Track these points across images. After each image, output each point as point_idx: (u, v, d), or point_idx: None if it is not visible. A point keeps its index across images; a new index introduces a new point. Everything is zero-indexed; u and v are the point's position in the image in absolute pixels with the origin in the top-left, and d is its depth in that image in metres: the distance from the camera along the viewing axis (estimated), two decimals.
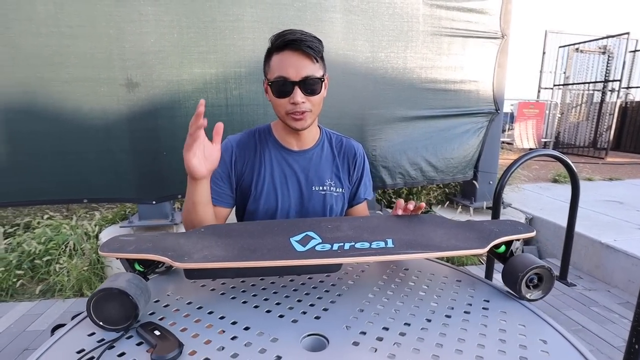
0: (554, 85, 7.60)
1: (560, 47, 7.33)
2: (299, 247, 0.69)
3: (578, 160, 6.40)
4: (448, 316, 0.67)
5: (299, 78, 0.86)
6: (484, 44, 2.65)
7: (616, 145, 7.80)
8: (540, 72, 7.52)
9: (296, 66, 0.86)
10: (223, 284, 0.79)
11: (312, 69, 0.87)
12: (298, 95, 0.87)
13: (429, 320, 0.65)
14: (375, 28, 2.39)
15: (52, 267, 2.18)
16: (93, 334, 0.61)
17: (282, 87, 0.87)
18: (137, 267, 0.71)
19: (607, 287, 2.30)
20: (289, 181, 1.00)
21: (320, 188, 1.01)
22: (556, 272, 2.45)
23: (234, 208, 1.08)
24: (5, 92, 2.00)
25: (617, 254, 2.30)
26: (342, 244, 0.70)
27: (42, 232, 2.26)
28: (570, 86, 7.48)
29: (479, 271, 2.50)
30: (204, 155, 0.83)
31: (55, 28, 1.97)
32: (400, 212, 0.88)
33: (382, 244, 0.70)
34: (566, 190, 3.79)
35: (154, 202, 2.31)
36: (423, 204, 0.86)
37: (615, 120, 6.91)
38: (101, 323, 0.60)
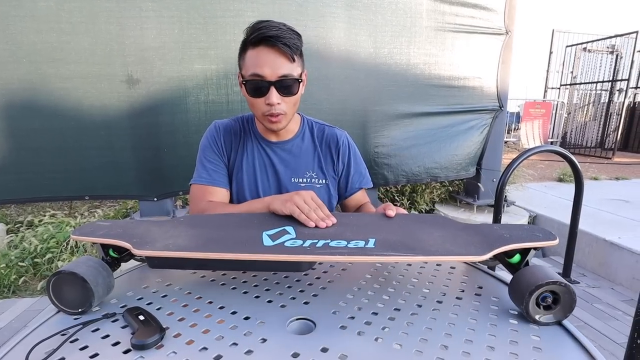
0: (561, 85, 7.52)
1: (567, 46, 7.25)
2: (267, 242, 0.64)
3: (585, 160, 6.32)
4: (439, 302, 0.65)
5: (275, 78, 0.82)
6: (488, 40, 2.62)
7: (624, 145, 7.69)
8: (547, 71, 7.45)
9: (272, 65, 0.81)
10: (213, 270, 0.78)
11: (289, 68, 0.83)
12: (274, 96, 0.83)
13: (419, 306, 0.64)
14: (378, 23, 2.38)
15: (53, 265, 2.19)
16: (79, 317, 0.60)
17: (257, 87, 0.84)
18: (111, 253, 0.70)
19: (611, 284, 2.26)
20: (268, 171, 0.99)
21: (300, 180, 0.99)
22: (559, 270, 2.41)
23: None
24: (7, 88, 2.02)
25: (622, 252, 2.25)
26: (315, 241, 0.64)
27: (44, 230, 2.27)
28: (577, 86, 7.39)
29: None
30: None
31: (55, 24, 1.98)
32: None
33: (361, 244, 0.63)
34: (572, 189, 3.72)
35: (155, 199, 2.32)
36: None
37: (622, 121, 6.81)
38: (57, 303, 0.60)
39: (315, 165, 1.01)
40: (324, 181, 1.01)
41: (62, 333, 0.55)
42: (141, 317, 0.57)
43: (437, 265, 0.81)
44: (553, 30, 7.14)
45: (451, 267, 0.80)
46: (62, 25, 1.99)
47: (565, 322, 0.59)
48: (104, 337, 0.55)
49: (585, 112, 7.44)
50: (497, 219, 2.13)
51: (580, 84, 7.34)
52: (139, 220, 0.76)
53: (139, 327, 0.54)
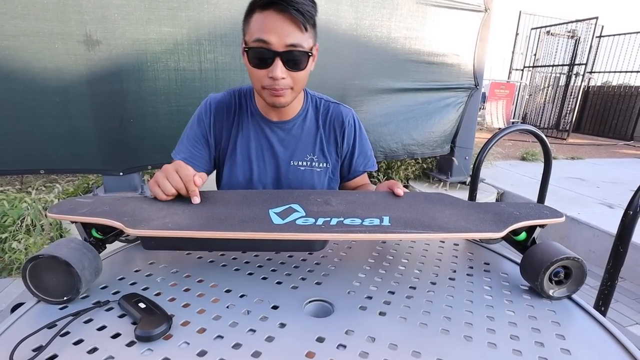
0: (524, 67, 7.81)
1: (532, 29, 7.48)
2: (276, 220, 0.60)
3: None
4: (452, 279, 0.65)
5: (282, 48, 0.73)
6: (468, 17, 2.62)
7: (577, 127, 8.23)
8: (513, 52, 7.68)
9: (280, 32, 0.72)
10: (211, 251, 0.72)
11: (300, 38, 0.73)
12: (278, 68, 0.74)
13: (433, 284, 0.63)
14: None
15: (6, 245, 1.99)
16: (65, 307, 0.53)
17: (260, 56, 0.74)
18: (95, 234, 0.62)
19: None
20: (265, 154, 0.91)
21: (300, 163, 0.92)
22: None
23: (215, 175, 0.99)
24: None
25: (581, 226, 2.43)
26: (328, 218, 0.60)
27: None
28: (538, 68, 7.71)
29: None
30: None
31: None
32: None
33: (376, 221, 0.60)
34: (534, 167, 3.97)
35: (120, 174, 2.16)
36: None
37: (577, 103, 7.24)
38: (37, 292, 0.52)
39: (317, 148, 0.94)
40: (324, 164, 0.95)
41: (49, 326, 0.48)
42: (141, 305, 0.51)
43: (440, 242, 0.81)
44: (520, 12, 7.32)
45: (454, 244, 0.80)
46: None
47: (574, 296, 0.60)
48: (99, 329, 0.48)
49: (544, 94, 7.82)
50: (472, 196, 2.20)
51: (542, 66, 7.66)
52: (126, 197, 0.67)
53: (141, 317, 0.48)
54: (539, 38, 7.43)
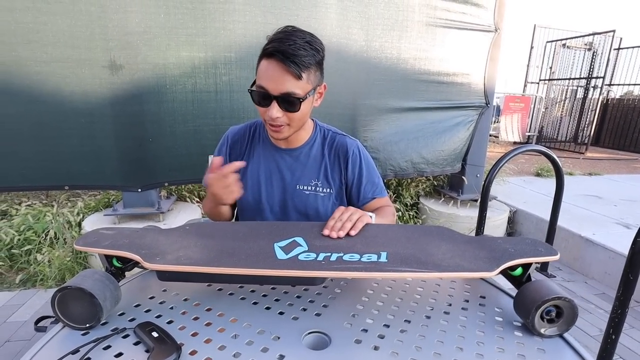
0: (540, 80, 7.72)
1: (547, 42, 7.42)
2: (280, 255, 0.64)
3: (559, 154, 6.58)
4: (447, 312, 0.67)
5: (277, 93, 0.83)
6: (478, 37, 2.64)
7: (595, 140, 8.04)
8: (528, 66, 7.62)
9: (276, 81, 0.82)
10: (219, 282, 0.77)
11: (293, 85, 0.82)
12: (274, 109, 0.84)
13: (428, 317, 0.66)
14: (370, 16, 2.35)
15: (32, 257, 2.10)
16: (87, 333, 0.59)
17: (261, 97, 0.86)
18: (115, 263, 0.68)
19: (584, 278, 2.39)
20: (274, 178, 1.00)
21: (305, 187, 1.00)
22: (537, 265, 2.53)
23: None
24: None
25: (596, 248, 2.38)
26: (329, 254, 0.64)
27: (21, 220, 2.17)
28: (555, 81, 7.61)
29: None
30: (227, 187, 0.85)
31: (31, 3, 1.85)
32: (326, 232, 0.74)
33: (374, 257, 0.63)
34: (548, 183, 3.91)
35: (139, 190, 2.25)
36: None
37: (596, 116, 7.10)
38: (63, 319, 0.58)
39: (321, 174, 1.01)
40: (328, 190, 1.01)
41: (72, 352, 0.53)
42: (154, 334, 0.56)
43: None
44: (535, 25, 7.28)
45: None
46: (39, 5, 1.86)
47: (566, 334, 0.62)
48: (117, 356, 0.53)
49: (561, 107, 7.70)
50: (482, 215, 2.20)
51: (558, 79, 7.56)
52: (145, 229, 0.74)
53: (154, 346, 0.53)
54: (554, 51, 7.36)
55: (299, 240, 0.70)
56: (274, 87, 0.82)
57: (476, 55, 2.67)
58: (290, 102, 0.84)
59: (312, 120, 1.04)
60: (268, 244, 0.68)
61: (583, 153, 6.81)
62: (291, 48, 0.80)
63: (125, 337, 0.58)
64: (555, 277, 2.39)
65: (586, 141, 7.05)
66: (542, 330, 0.61)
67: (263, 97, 0.85)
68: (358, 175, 1.03)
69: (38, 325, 0.66)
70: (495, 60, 2.73)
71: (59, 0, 1.87)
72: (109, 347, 0.55)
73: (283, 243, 0.68)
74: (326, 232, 0.74)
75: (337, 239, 0.72)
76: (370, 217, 0.84)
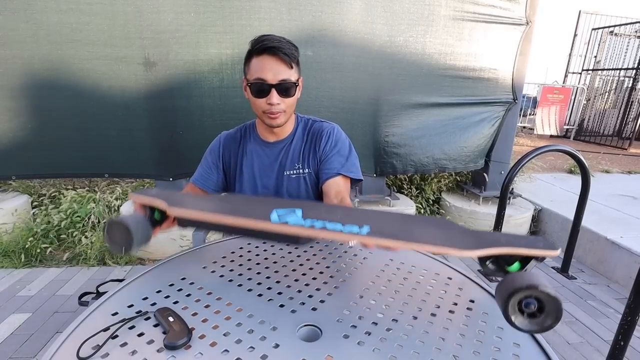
0: (583, 70, 7.26)
1: (593, 29, 6.93)
2: (274, 218, 0.70)
3: (600, 150, 6.21)
4: (433, 314, 0.73)
5: (276, 81, 0.97)
6: (507, 31, 2.56)
7: None
8: (570, 55, 7.18)
9: (273, 70, 0.96)
10: (231, 270, 0.86)
11: (288, 74, 0.98)
12: (274, 97, 0.98)
13: (415, 318, 0.71)
14: (395, 11, 2.34)
15: (76, 238, 2.33)
16: (116, 313, 0.70)
17: (260, 89, 0.98)
18: (156, 214, 0.82)
19: (607, 282, 2.32)
20: (267, 170, 1.15)
21: (291, 172, 1.13)
22: (558, 265, 2.47)
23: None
24: (29, 68, 2.08)
25: (621, 251, 2.30)
26: (316, 221, 0.67)
27: (68, 205, 2.40)
28: (599, 71, 7.13)
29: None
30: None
31: (74, 5, 2.01)
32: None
33: (355, 229, 0.64)
34: (580, 181, 3.71)
35: (170, 179, 2.42)
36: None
37: None
38: (109, 240, 0.74)
39: (302, 157, 1.13)
40: (307, 170, 1.13)
41: (104, 329, 0.64)
42: (170, 319, 0.66)
43: (435, 274, 0.88)
44: (580, 12, 6.81)
45: (448, 278, 0.87)
46: (81, 6, 2.02)
47: (548, 350, 0.65)
48: (139, 335, 0.64)
49: (605, 99, 7.21)
50: (500, 213, 2.18)
51: (603, 69, 7.07)
52: (184, 194, 0.92)
53: (169, 329, 0.63)
54: (600, 39, 6.87)
55: (297, 211, 0.73)
56: (272, 77, 0.97)
57: (505, 50, 2.59)
58: (286, 88, 0.99)
59: (294, 113, 1.16)
60: (269, 208, 0.74)
61: (626, 149, 6.39)
62: (281, 44, 0.96)
63: (147, 319, 0.68)
64: (576, 278, 2.34)
65: (630, 136, 6.60)
66: (512, 318, 0.55)
67: (262, 88, 0.98)
68: (327, 151, 1.12)
69: (81, 300, 0.81)
70: (526, 55, 2.63)
71: (99, 2, 2.02)
72: (133, 327, 0.66)
73: (282, 210, 0.73)
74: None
75: (331, 214, 0.74)
76: None
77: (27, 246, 2.25)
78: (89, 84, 2.15)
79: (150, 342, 0.62)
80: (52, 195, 2.65)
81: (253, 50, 0.98)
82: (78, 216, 2.36)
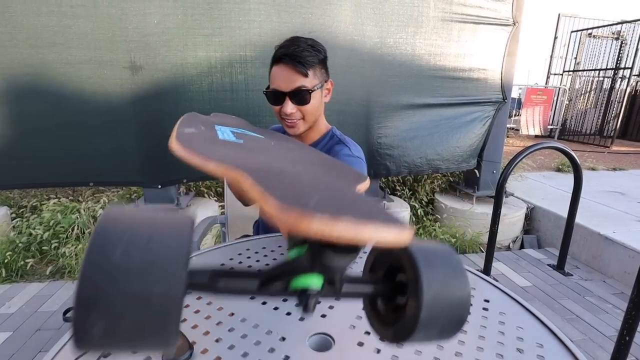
0: (564, 71, 7.45)
1: (572, 31, 7.13)
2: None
3: (583, 148, 6.36)
4: None
5: (289, 90, 0.96)
6: (495, 31, 2.58)
7: (622, 133, 7.72)
8: (551, 57, 7.36)
9: (287, 79, 0.96)
10: None
11: (302, 81, 0.96)
12: (288, 105, 0.97)
13: None
14: (385, 12, 2.34)
15: (60, 251, 2.22)
16: None
17: (275, 97, 0.98)
18: None
19: (603, 277, 2.34)
20: None
21: None
22: (554, 262, 2.49)
23: None
24: (8, 72, 1.99)
25: (615, 246, 2.32)
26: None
27: (50, 215, 2.29)
28: (580, 72, 7.33)
29: (479, 259, 2.54)
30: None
31: (56, 7, 1.93)
32: None
33: None
34: (569, 179, 3.77)
35: (159, 186, 2.34)
36: None
37: (623, 109, 6.81)
38: None
39: None
40: None
41: None
42: None
43: None
44: (559, 15, 7.01)
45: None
46: (63, 9, 1.94)
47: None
48: (134, 352, 0.58)
49: (586, 99, 7.41)
50: (496, 213, 2.18)
51: (583, 70, 7.27)
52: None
53: None
54: (580, 41, 7.07)
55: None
56: (285, 86, 0.96)
57: (493, 50, 2.62)
58: (301, 96, 0.97)
59: (330, 126, 1.12)
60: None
61: (608, 147, 6.56)
62: (296, 51, 0.94)
63: None
64: (572, 275, 2.35)
65: (612, 134, 6.78)
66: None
67: (277, 96, 0.98)
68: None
69: (66, 315, 0.73)
70: (513, 55, 2.66)
71: (81, 4, 1.95)
72: None
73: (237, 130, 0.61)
74: None
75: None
76: None
77: (6, 261, 2.13)
78: (72, 89, 2.07)
79: (148, 358, 0.56)
80: (34, 205, 2.53)
81: (273, 58, 0.98)
82: (61, 227, 2.26)
